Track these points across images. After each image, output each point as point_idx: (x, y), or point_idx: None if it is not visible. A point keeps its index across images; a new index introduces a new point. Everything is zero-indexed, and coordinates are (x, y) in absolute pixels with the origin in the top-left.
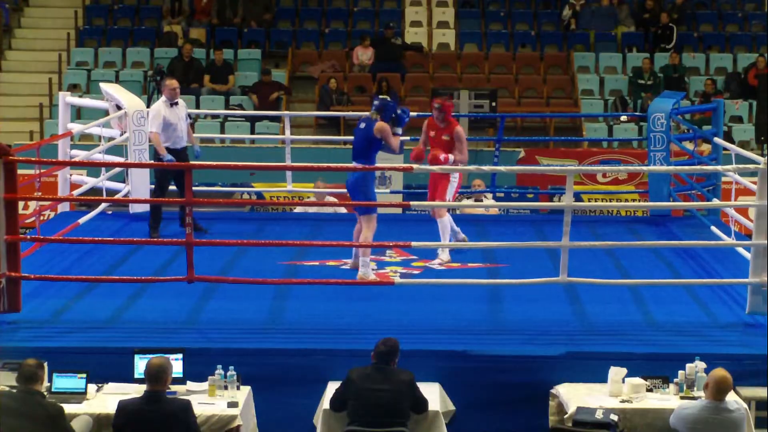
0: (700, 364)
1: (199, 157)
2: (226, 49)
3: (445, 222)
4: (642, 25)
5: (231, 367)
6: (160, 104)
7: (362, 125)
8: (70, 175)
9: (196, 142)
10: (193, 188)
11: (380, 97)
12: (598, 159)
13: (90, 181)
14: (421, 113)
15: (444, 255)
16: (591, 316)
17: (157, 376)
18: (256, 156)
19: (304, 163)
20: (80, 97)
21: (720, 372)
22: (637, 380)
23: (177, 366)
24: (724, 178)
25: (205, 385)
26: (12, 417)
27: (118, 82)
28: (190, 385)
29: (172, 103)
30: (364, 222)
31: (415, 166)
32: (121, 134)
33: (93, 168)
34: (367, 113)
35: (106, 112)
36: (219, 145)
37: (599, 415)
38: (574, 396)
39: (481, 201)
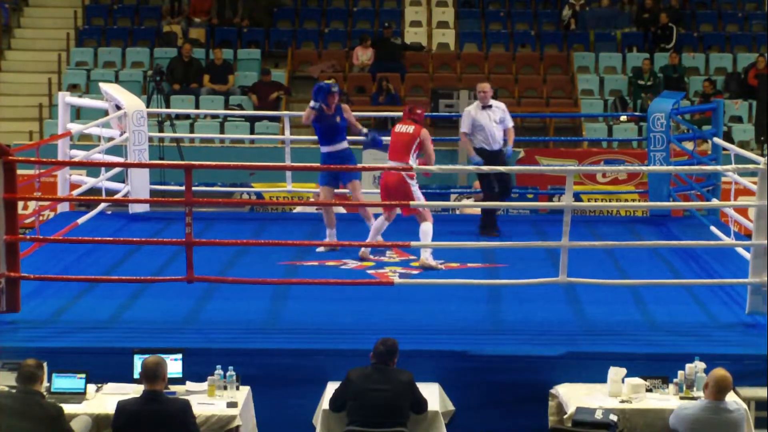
0: (700, 365)
1: (509, 158)
2: (226, 49)
3: (379, 225)
4: (642, 25)
5: (230, 367)
6: (472, 106)
7: None
8: (70, 175)
9: (510, 144)
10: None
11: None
12: (598, 159)
13: (90, 181)
14: None
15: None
16: (591, 317)
17: (154, 374)
18: (255, 156)
19: (303, 163)
20: (80, 97)
21: (720, 372)
22: (637, 380)
23: (177, 366)
24: (723, 179)
25: (204, 385)
26: (12, 417)
27: (117, 82)
28: (190, 385)
29: (484, 106)
30: None
31: (414, 165)
32: (121, 134)
33: (92, 168)
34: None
35: (105, 112)
36: (219, 145)
37: (599, 415)
38: (573, 396)
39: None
